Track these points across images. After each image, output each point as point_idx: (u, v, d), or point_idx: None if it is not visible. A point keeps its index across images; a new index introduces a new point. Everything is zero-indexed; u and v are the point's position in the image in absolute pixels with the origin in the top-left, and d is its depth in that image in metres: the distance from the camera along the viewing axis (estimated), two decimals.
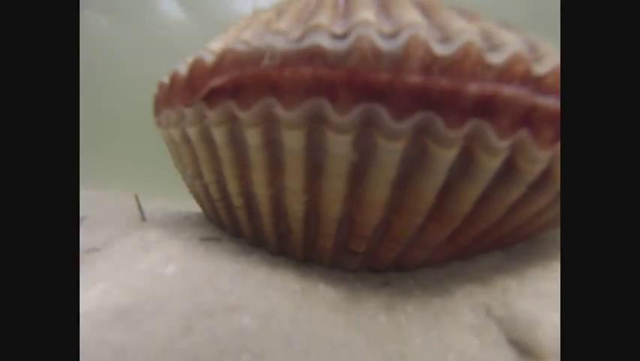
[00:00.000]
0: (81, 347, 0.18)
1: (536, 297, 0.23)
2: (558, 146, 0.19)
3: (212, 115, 0.22)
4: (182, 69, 0.24)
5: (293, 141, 0.20)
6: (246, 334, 0.20)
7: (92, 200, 0.56)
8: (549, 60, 0.18)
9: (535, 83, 0.18)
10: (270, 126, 0.21)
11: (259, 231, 0.28)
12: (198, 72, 0.22)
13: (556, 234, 0.30)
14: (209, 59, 0.22)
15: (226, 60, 0.21)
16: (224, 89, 0.21)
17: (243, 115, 0.21)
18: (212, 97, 0.22)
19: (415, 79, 0.17)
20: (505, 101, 0.17)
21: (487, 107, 0.17)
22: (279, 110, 0.20)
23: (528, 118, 0.18)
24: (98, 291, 0.22)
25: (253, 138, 0.22)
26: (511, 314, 0.22)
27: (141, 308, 0.21)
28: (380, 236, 0.24)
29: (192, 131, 0.25)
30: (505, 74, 0.17)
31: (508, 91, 0.17)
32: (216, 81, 0.21)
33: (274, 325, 0.21)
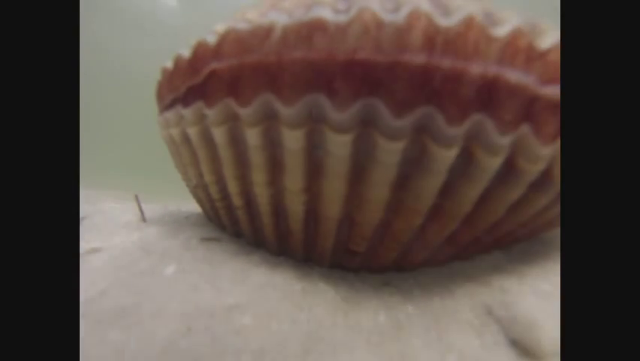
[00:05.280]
0: (81, 347, 0.18)
1: (536, 297, 0.23)
2: (559, 142, 0.18)
3: (212, 114, 0.22)
4: (186, 52, 0.24)
5: (293, 141, 0.20)
6: (246, 334, 0.20)
7: (92, 200, 0.56)
8: (550, 35, 0.18)
9: (539, 59, 0.17)
10: (270, 126, 0.21)
11: (259, 231, 0.28)
12: (201, 53, 0.22)
13: (556, 234, 0.30)
14: (212, 39, 0.22)
15: (228, 40, 0.21)
16: (223, 80, 0.21)
17: (243, 112, 0.21)
18: (212, 94, 0.22)
19: (417, 60, 0.17)
20: (507, 89, 0.17)
21: (488, 98, 0.17)
22: (279, 107, 0.20)
23: (530, 110, 0.18)
24: (98, 291, 0.22)
25: (253, 138, 0.22)
26: (511, 314, 0.22)
27: (141, 308, 0.21)
28: (380, 236, 0.24)
29: (192, 132, 0.25)
30: (509, 47, 0.17)
31: (511, 76, 0.17)
32: (216, 65, 0.21)
33: (274, 325, 0.21)
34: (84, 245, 0.30)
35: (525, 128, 0.18)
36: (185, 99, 0.24)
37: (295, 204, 0.23)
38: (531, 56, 0.17)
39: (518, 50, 0.17)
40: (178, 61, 0.25)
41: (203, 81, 0.22)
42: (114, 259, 0.27)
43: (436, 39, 0.17)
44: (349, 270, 0.27)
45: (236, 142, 0.23)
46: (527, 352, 0.20)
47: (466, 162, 0.19)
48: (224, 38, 0.21)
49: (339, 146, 0.20)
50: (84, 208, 0.44)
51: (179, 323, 0.20)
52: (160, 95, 0.29)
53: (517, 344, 0.20)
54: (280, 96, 0.19)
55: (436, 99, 0.17)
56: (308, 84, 0.19)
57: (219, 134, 0.23)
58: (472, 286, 0.25)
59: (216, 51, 0.21)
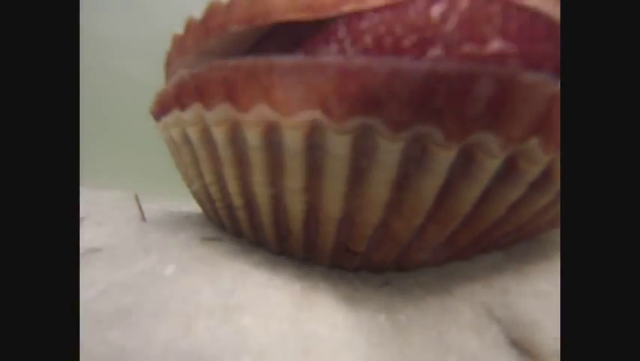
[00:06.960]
0: (81, 347, 0.18)
1: (536, 297, 0.23)
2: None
3: (211, 116, 0.22)
4: (198, 15, 0.25)
5: (293, 142, 0.20)
6: (246, 334, 0.20)
7: (92, 200, 0.56)
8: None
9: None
10: (269, 128, 0.21)
11: (259, 231, 0.28)
12: (213, 11, 0.23)
13: (556, 234, 0.30)
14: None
15: None
16: (219, 86, 0.21)
17: (242, 117, 0.21)
18: (210, 96, 0.22)
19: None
20: (523, 89, 0.16)
21: (497, 110, 0.16)
22: (277, 117, 0.20)
23: (543, 121, 0.17)
24: (98, 291, 0.22)
25: (253, 138, 0.22)
26: (511, 314, 0.22)
27: (141, 308, 0.21)
28: (380, 236, 0.24)
29: (192, 132, 0.25)
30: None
31: (529, 78, 0.16)
32: (235, 27, 0.22)
33: (274, 325, 0.21)
34: (84, 245, 0.30)
35: (533, 142, 0.18)
36: (184, 103, 0.24)
37: (295, 204, 0.23)
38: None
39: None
40: (190, 23, 0.25)
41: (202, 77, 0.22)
42: (114, 259, 0.27)
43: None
44: (349, 270, 0.27)
45: (237, 142, 0.23)
46: (527, 352, 0.20)
47: (466, 161, 0.19)
48: None
49: (338, 147, 0.20)
50: (84, 208, 0.44)
51: (179, 323, 0.20)
52: (169, 63, 0.29)
53: (517, 345, 0.20)
54: (277, 109, 0.19)
55: (436, 115, 0.17)
56: (302, 101, 0.18)
57: (219, 134, 0.23)
58: (472, 286, 0.25)
59: (229, 9, 0.22)
